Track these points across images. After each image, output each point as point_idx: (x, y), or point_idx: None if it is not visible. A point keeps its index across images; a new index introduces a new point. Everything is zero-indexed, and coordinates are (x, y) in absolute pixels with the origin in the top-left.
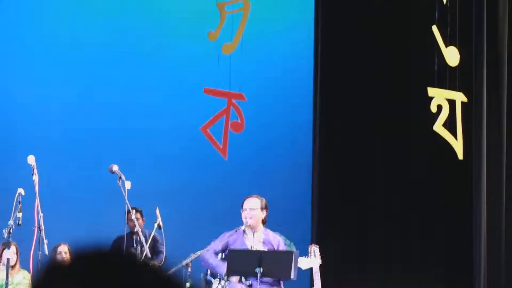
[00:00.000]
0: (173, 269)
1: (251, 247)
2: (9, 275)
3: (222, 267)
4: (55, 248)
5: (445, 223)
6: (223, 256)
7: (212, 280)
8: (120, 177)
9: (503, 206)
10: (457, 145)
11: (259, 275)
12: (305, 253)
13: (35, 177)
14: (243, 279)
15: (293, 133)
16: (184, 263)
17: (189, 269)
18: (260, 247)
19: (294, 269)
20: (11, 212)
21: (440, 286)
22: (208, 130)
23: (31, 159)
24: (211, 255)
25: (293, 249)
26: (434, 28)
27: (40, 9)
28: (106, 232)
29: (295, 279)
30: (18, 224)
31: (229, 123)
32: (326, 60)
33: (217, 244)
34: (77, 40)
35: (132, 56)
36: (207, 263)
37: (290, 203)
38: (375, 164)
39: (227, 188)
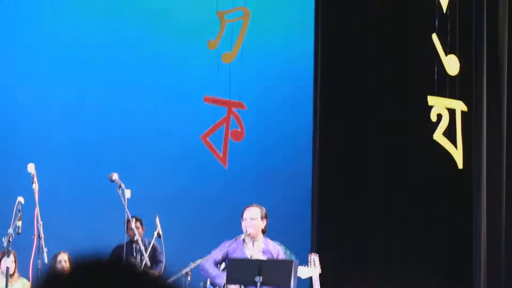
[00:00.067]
0: (172, 278)
1: (251, 256)
2: (8, 284)
3: (222, 278)
4: (55, 257)
5: (445, 223)
6: (224, 267)
7: None
8: (120, 186)
9: (503, 206)
10: (457, 154)
11: (258, 284)
12: (304, 262)
13: (35, 186)
14: None
15: (293, 142)
16: (183, 272)
17: (189, 278)
18: (259, 256)
19: (293, 278)
20: (11, 221)
21: (440, 286)
22: (208, 138)
23: (31, 168)
24: (211, 264)
25: (293, 258)
26: (434, 37)
27: (41, 14)
28: (106, 240)
29: None
30: (18, 233)
31: (229, 131)
32: (326, 66)
33: (217, 253)
34: (77, 48)
35: (132, 65)
36: (206, 273)
37: (290, 211)
38: (375, 164)
39: (227, 197)
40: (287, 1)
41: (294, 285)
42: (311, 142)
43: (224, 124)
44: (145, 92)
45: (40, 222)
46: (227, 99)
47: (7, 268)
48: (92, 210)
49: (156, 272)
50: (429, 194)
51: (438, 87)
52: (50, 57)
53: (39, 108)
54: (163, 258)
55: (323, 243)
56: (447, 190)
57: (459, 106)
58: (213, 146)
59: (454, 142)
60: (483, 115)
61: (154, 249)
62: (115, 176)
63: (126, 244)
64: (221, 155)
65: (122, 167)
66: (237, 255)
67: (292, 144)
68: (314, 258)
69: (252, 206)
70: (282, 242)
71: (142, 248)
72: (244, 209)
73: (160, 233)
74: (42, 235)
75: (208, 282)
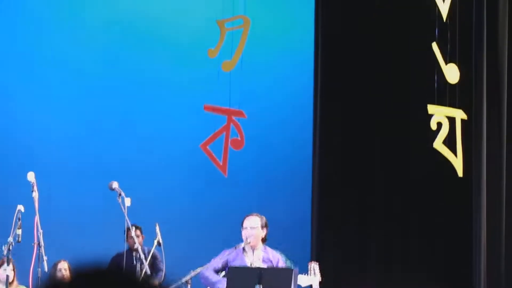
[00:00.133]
0: (172, 287)
1: (250, 264)
2: None
3: (222, 283)
4: (55, 265)
5: (445, 223)
6: (223, 275)
7: None
8: (120, 194)
9: (503, 207)
10: (457, 163)
11: None
12: (305, 270)
13: (35, 194)
14: None
15: (293, 150)
16: (183, 280)
17: (189, 287)
18: (259, 264)
19: (293, 286)
20: (11, 229)
21: (440, 286)
22: (208, 147)
23: (30, 176)
24: (211, 272)
25: (293, 267)
26: (434, 45)
27: (41, 25)
28: (106, 249)
29: None
30: (18, 241)
31: (229, 140)
32: (326, 75)
33: (217, 261)
34: (78, 55)
35: (132, 73)
36: (206, 280)
37: (290, 220)
38: (376, 169)
39: (227, 205)
40: (287, 10)
41: None
42: (311, 151)
43: (224, 133)
44: (145, 101)
45: (40, 231)
46: (227, 107)
47: (7, 276)
48: (92, 218)
49: (156, 280)
50: (429, 195)
51: (438, 95)
52: (49, 64)
53: (39, 117)
54: (163, 266)
55: (323, 244)
56: (447, 193)
57: (459, 114)
58: (213, 154)
59: (454, 151)
60: (483, 123)
61: (154, 257)
62: (115, 185)
63: (126, 252)
64: (221, 164)
65: (122, 175)
66: (237, 263)
67: (292, 152)
68: (314, 266)
69: (252, 215)
70: (282, 250)
71: (142, 256)
72: (244, 218)
73: (160, 241)
74: (42, 243)
75: None
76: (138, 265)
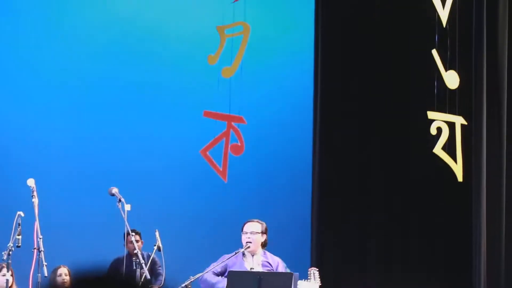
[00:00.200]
0: None
1: (250, 269)
2: None
3: (223, 283)
4: (55, 270)
5: (445, 223)
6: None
7: None
8: (119, 200)
9: (503, 207)
10: (457, 168)
11: None
12: (305, 277)
13: (35, 200)
14: None
15: (293, 156)
16: (183, 285)
17: None
18: (259, 269)
19: None
20: (11, 234)
21: (440, 286)
22: (207, 153)
23: (30, 182)
24: (211, 275)
25: None
26: (434, 52)
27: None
28: (105, 254)
29: None
30: (18, 246)
31: (229, 146)
32: (326, 80)
33: (216, 266)
34: (77, 60)
35: (132, 80)
36: (205, 282)
37: (290, 225)
38: (375, 166)
39: (227, 211)
40: (287, 15)
41: None
42: (311, 156)
43: (224, 138)
44: (146, 106)
45: (40, 236)
46: (227, 113)
47: (7, 280)
48: (92, 224)
49: (156, 286)
50: (430, 196)
51: (438, 102)
52: (49, 71)
53: (39, 123)
54: (162, 271)
55: (323, 244)
56: (448, 194)
57: (459, 120)
58: (212, 160)
59: (454, 157)
60: (483, 128)
61: (153, 262)
62: (114, 190)
63: (125, 257)
64: (221, 169)
65: (122, 181)
66: (236, 268)
67: (292, 158)
68: (314, 272)
69: (253, 220)
70: (282, 254)
71: (142, 261)
72: (245, 223)
73: (160, 246)
74: (42, 248)
75: None
76: (138, 270)
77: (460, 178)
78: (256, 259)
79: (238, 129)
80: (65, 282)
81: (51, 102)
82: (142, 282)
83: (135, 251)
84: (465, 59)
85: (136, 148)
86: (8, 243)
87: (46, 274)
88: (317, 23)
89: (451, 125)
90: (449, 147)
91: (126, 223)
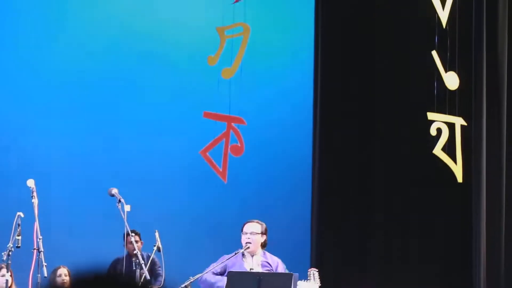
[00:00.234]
0: None
1: (250, 269)
2: None
3: (222, 281)
4: (55, 271)
5: (445, 223)
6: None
7: None
8: (119, 200)
9: (503, 207)
10: (457, 169)
11: None
12: (304, 277)
13: (35, 200)
14: None
15: (293, 157)
16: (183, 286)
17: None
18: (259, 269)
19: None
20: (10, 235)
21: (440, 286)
22: (207, 153)
23: (30, 183)
24: (211, 275)
25: None
26: (434, 53)
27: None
28: (105, 255)
29: None
30: (17, 247)
31: (229, 146)
32: (326, 81)
33: (216, 266)
34: (76, 63)
35: (132, 80)
36: (205, 282)
37: (290, 225)
38: (375, 166)
39: (227, 211)
40: (287, 17)
41: None
42: (311, 157)
43: (224, 139)
44: (145, 107)
45: (40, 237)
46: (227, 114)
47: (6, 281)
48: (92, 224)
49: (155, 286)
50: (429, 196)
51: (437, 103)
52: (49, 72)
53: (38, 123)
54: (162, 272)
55: (323, 244)
56: (448, 195)
57: (459, 121)
58: (212, 161)
59: (453, 158)
60: (483, 129)
61: (153, 263)
62: (114, 191)
63: (125, 258)
64: (221, 170)
65: (121, 181)
66: (236, 268)
67: (292, 158)
68: (314, 273)
69: (252, 221)
70: (282, 257)
71: (142, 262)
72: (245, 223)
73: (160, 247)
74: (41, 249)
75: None
76: (138, 270)
77: (460, 179)
78: (256, 259)
79: (238, 130)
80: (64, 282)
81: (51, 102)
82: (141, 282)
83: (134, 252)
84: (465, 60)
85: (136, 148)
86: (8, 243)
87: (45, 275)
88: (317, 23)
89: (451, 126)
90: (449, 148)
91: (126, 223)
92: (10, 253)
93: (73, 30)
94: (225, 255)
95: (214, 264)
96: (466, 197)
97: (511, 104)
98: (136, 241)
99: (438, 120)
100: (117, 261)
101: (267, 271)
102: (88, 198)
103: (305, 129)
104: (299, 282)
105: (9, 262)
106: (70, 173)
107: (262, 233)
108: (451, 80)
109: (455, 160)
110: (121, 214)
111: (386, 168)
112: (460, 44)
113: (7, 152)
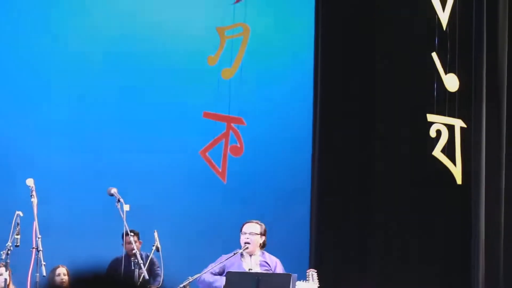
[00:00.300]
0: None
1: (248, 270)
2: None
3: (221, 281)
4: (54, 270)
5: (445, 224)
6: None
7: None
8: (118, 200)
9: (502, 209)
10: (456, 171)
11: None
12: (303, 277)
13: (34, 200)
14: None
15: (292, 157)
16: (181, 286)
17: None
18: (257, 269)
19: None
20: (9, 234)
21: (439, 286)
22: (207, 153)
23: (30, 182)
24: (209, 275)
25: None
26: (434, 55)
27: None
28: (104, 254)
29: None
30: (16, 246)
31: (228, 147)
32: (326, 81)
33: (215, 267)
34: (76, 63)
35: (131, 80)
36: (203, 282)
37: (289, 226)
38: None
39: (226, 212)
40: (287, 17)
41: None
42: (310, 158)
43: (223, 140)
44: (145, 107)
45: (39, 236)
46: (227, 114)
47: (5, 280)
48: (91, 224)
49: (154, 286)
50: (429, 198)
51: (437, 104)
52: (48, 71)
53: (38, 122)
54: (161, 272)
55: (322, 244)
56: (448, 195)
57: (459, 123)
58: (212, 161)
59: (453, 159)
60: (482, 131)
61: (152, 263)
62: (113, 190)
63: (124, 257)
64: (220, 170)
65: (121, 181)
66: (234, 268)
67: (292, 159)
68: (313, 273)
69: (252, 221)
70: (281, 257)
71: (140, 261)
72: (244, 223)
73: (159, 246)
74: (40, 248)
75: None
76: (136, 270)
77: (459, 180)
78: (254, 259)
79: (238, 130)
80: (63, 282)
81: (50, 102)
82: (140, 282)
83: (133, 252)
84: (465, 62)
85: (135, 148)
86: (7, 242)
87: (44, 274)
88: (317, 23)
89: (451, 128)
90: (449, 150)
91: (125, 223)
92: (9, 252)
93: (74, 30)
94: (223, 255)
95: (213, 264)
96: (465, 199)
97: (510, 106)
98: (135, 241)
99: (437, 122)
100: (116, 261)
101: (265, 271)
102: (87, 197)
103: (305, 129)
104: (298, 283)
105: (8, 261)
106: (70, 172)
107: (261, 234)
108: (451, 82)
109: (454, 162)
110: (120, 214)
111: (386, 168)
112: (460, 46)
113: (6, 152)
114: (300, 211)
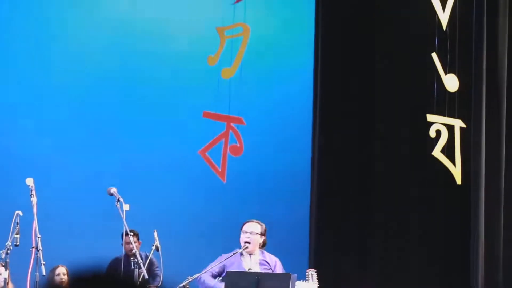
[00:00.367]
0: None
1: (248, 269)
2: None
3: (219, 287)
4: (53, 270)
5: (444, 225)
6: (221, 279)
7: None
8: (118, 200)
9: (501, 209)
10: (455, 171)
11: None
12: (303, 277)
13: (33, 199)
14: None
15: (292, 157)
16: (181, 285)
17: None
18: (257, 268)
19: None
20: (9, 233)
21: (439, 286)
22: (206, 153)
23: (29, 181)
24: (208, 276)
25: None
26: (434, 55)
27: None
28: (104, 254)
29: None
30: (16, 245)
31: (228, 146)
32: (326, 82)
33: (214, 266)
34: (76, 63)
35: (131, 79)
36: (203, 284)
37: (289, 225)
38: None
39: (225, 211)
40: (287, 17)
41: None
42: (310, 158)
43: (223, 139)
44: (145, 106)
45: (38, 235)
46: (227, 114)
47: (5, 279)
48: (91, 224)
49: (153, 286)
50: (429, 198)
51: (437, 105)
52: (48, 72)
53: (37, 122)
54: (160, 272)
55: (322, 245)
56: (448, 195)
57: (458, 123)
58: (211, 160)
59: (452, 159)
60: (482, 131)
61: (151, 263)
62: (113, 190)
63: (123, 257)
64: (220, 170)
65: (121, 181)
66: (234, 268)
67: (292, 159)
68: (312, 273)
69: (252, 221)
70: (280, 257)
71: (140, 261)
72: (245, 223)
73: (159, 246)
74: (40, 248)
75: None
76: (136, 270)
77: (459, 180)
78: (254, 258)
79: (237, 130)
80: (63, 281)
81: (50, 102)
82: (140, 282)
83: (133, 251)
84: (464, 62)
85: (135, 148)
86: (7, 242)
87: (44, 273)
88: (317, 23)
89: (450, 128)
90: (448, 150)
91: (125, 223)
92: (8, 251)
93: (73, 30)
94: (223, 255)
95: (212, 264)
96: (465, 199)
97: (510, 106)
98: (135, 241)
99: (437, 122)
100: (116, 261)
101: (265, 270)
102: (87, 197)
103: (305, 129)
104: (297, 282)
105: (8, 260)
106: (69, 172)
107: (261, 234)
108: (451, 82)
109: (454, 162)
110: (120, 213)
111: (386, 168)
112: (460, 46)
113: (6, 151)
114: (300, 211)
